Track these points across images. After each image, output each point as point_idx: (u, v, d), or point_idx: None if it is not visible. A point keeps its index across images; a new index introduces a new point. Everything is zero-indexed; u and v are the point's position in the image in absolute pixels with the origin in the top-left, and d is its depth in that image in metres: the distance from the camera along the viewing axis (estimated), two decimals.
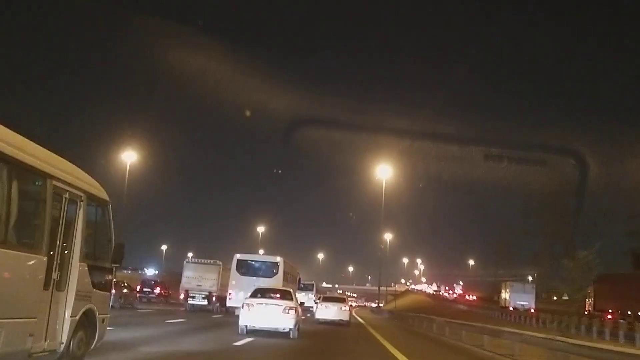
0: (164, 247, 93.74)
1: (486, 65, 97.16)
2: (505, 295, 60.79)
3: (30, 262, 5.65)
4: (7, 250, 5.25)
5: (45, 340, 5.99)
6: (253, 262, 26.05)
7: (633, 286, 36.52)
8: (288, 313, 14.90)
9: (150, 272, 75.35)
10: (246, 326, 14.89)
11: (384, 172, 44.94)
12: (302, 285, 42.98)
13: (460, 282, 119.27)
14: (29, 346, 5.63)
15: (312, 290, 44.37)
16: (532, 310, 51.14)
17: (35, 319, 5.73)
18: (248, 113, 40.57)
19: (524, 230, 51.50)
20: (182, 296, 30.07)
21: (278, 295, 16.06)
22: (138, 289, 35.34)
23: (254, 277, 24.32)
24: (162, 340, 11.83)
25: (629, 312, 35.03)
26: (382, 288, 79.90)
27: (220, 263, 29.83)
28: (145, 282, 40.26)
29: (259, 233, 74.62)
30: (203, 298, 28.78)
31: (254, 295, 16.00)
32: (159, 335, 13.17)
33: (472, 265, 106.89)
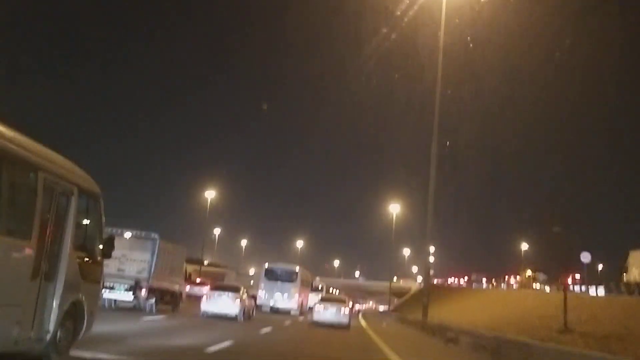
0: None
1: None
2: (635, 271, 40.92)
3: (18, 251, 5.80)
4: None
5: (32, 328, 6.13)
6: (277, 270, 33.44)
7: None
8: (234, 302, 20.22)
9: None
10: (206, 311, 20.16)
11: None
12: (319, 287, 46.59)
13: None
14: (15, 334, 5.77)
15: (323, 292, 44.97)
16: None
17: (21, 307, 5.87)
18: None
19: None
20: None
21: (229, 290, 21.13)
22: None
23: (278, 282, 32.17)
24: None
25: None
26: (384, 284, 70.79)
27: (157, 237, 20.67)
28: None
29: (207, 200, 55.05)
30: (126, 290, 19.19)
31: (213, 289, 21.82)
32: None
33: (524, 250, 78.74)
